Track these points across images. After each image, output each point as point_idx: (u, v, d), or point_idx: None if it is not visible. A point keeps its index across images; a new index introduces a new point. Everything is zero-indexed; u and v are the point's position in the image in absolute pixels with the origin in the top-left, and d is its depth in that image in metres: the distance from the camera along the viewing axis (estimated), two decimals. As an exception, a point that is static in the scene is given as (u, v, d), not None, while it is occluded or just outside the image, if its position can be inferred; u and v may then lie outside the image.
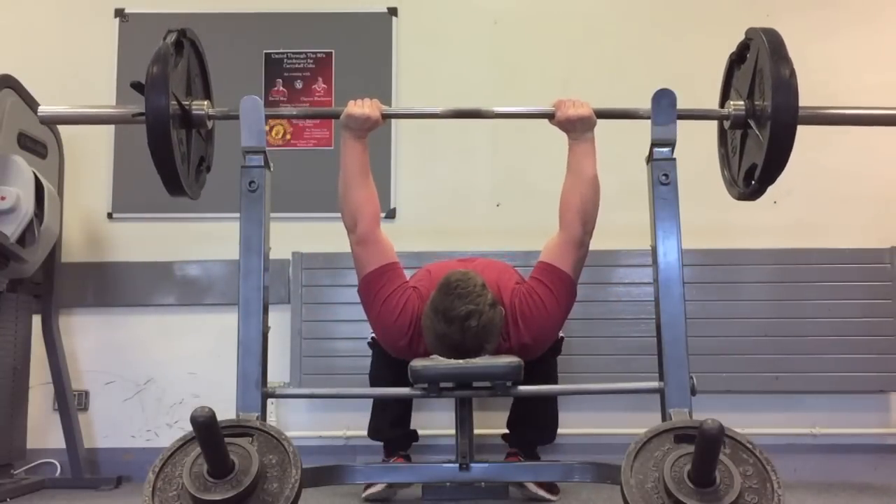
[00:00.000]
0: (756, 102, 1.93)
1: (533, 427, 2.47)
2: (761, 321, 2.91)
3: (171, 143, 1.85)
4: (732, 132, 2.08)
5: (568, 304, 2.17)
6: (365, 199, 2.15)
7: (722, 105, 2.12)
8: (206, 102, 2.07)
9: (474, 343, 2.03)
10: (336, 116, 2.12)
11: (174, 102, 1.88)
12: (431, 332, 2.07)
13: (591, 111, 2.08)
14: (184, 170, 1.95)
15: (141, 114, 1.85)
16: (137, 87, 1.87)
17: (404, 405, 2.50)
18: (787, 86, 1.79)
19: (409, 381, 2.06)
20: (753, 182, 1.95)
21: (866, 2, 3.16)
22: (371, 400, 2.55)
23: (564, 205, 2.15)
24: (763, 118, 1.86)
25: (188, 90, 2.04)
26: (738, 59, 2.07)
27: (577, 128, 2.09)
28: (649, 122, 2.00)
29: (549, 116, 2.12)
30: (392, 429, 2.49)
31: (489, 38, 3.19)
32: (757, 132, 1.91)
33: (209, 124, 2.10)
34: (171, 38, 1.94)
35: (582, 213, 2.11)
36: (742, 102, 1.98)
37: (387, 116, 2.14)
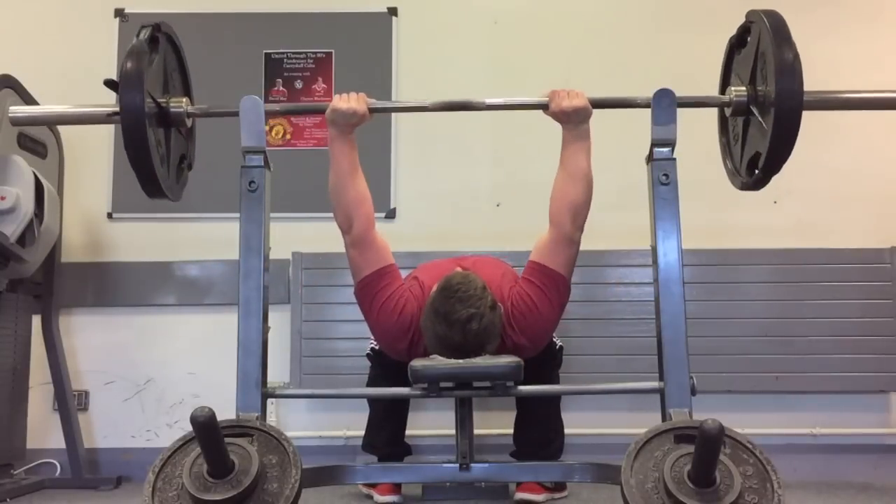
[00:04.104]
0: (758, 88, 1.85)
1: (538, 444, 2.44)
2: (761, 321, 2.91)
3: (148, 143, 1.77)
4: (734, 120, 2.00)
5: (560, 303, 2.14)
6: (358, 199, 2.09)
7: (722, 91, 2.04)
8: (184, 100, 2.01)
9: (475, 344, 2.04)
10: (322, 111, 2.06)
11: (150, 101, 1.80)
12: (431, 333, 2.07)
13: (586, 101, 2.01)
14: (163, 171, 1.88)
15: (116, 113, 1.76)
16: (111, 84, 1.79)
17: (399, 423, 2.50)
18: (791, 70, 1.71)
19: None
20: (757, 171, 1.87)
21: (867, 0, 3.16)
22: (368, 406, 2.53)
23: (556, 201, 2.09)
24: (766, 104, 1.79)
25: (165, 87, 1.97)
26: (738, 43, 2.00)
27: (573, 119, 2.03)
28: (649, 121, 1.99)
29: (544, 107, 2.05)
30: (386, 445, 2.49)
31: (489, 37, 3.19)
32: (760, 119, 1.84)
33: (189, 122, 2.03)
34: (146, 33, 1.85)
35: (573, 210, 2.06)
36: (743, 88, 1.91)
37: (374, 111, 2.06)
